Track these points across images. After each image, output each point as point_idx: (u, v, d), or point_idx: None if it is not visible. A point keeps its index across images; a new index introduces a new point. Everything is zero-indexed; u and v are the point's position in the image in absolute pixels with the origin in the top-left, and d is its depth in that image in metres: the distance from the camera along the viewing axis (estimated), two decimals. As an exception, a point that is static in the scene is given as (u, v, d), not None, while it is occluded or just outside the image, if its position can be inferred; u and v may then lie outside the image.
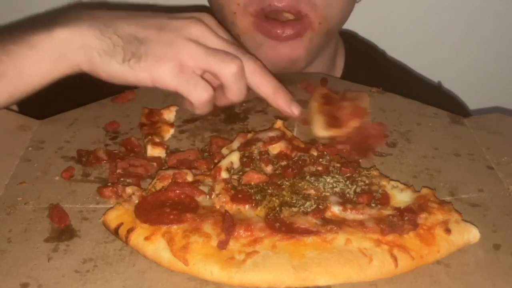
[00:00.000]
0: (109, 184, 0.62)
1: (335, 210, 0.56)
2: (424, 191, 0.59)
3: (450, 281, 0.51)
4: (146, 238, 0.53)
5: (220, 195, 0.57)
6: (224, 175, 0.61)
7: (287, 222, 0.54)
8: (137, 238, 0.54)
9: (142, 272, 0.52)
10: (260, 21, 0.88)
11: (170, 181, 0.60)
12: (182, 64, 0.70)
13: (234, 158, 0.64)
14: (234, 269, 0.50)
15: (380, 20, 1.29)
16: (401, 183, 0.61)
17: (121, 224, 0.55)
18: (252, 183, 0.60)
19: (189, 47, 0.70)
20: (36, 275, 0.51)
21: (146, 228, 0.54)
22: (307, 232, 0.53)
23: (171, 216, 0.54)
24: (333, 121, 0.72)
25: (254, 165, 0.63)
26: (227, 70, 0.71)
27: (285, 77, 0.82)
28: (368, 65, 1.09)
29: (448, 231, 0.54)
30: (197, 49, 0.71)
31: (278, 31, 0.87)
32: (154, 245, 0.53)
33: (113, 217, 0.56)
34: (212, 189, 0.59)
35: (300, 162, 0.64)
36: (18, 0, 1.29)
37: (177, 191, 0.58)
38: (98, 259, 0.53)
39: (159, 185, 0.60)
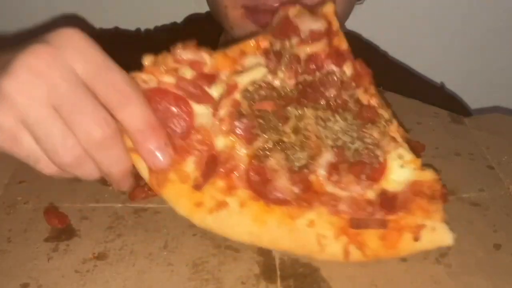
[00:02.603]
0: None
1: (320, 173, 0.53)
2: (426, 175, 0.54)
3: (450, 281, 0.51)
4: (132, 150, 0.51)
5: (223, 121, 0.53)
6: (237, 96, 0.53)
7: (268, 177, 0.53)
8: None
9: (142, 272, 0.52)
10: (251, 13, 0.85)
11: (185, 66, 0.53)
12: (14, 131, 0.50)
13: (258, 75, 0.54)
14: (199, 216, 0.52)
15: (382, 22, 1.29)
16: (409, 154, 0.55)
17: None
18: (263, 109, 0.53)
19: (14, 106, 0.49)
20: (36, 275, 0.51)
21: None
22: (278, 201, 0.52)
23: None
24: None
25: (279, 69, 0.54)
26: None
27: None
28: (370, 66, 1.09)
29: (417, 239, 0.52)
30: (25, 108, 0.49)
31: (268, 20, 0.84)
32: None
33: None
34: (217, 106, 0.53)
35: (322, 87, 0.55)
36: (12, 11, 1.29)
37: (172, 98, 0.52)
38: (98, 259, 0.53)
39: (168, 64, 0.53)
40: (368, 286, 0.51)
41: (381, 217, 0.53)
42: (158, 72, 0.53)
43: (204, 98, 0.54)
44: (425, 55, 1.32)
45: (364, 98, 0.56)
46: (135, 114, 0.51)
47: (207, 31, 1.09)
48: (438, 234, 0.53)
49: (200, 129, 0.53)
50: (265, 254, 0.54)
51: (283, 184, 0.53)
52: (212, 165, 0.52)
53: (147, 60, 0.54)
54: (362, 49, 1.16)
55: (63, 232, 0.56)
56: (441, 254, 0.54)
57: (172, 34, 1.16)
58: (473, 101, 1.25)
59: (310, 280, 0.51)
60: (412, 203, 0.53)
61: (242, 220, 0.52)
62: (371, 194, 0.54)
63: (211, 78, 0.54)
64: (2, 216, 0.58)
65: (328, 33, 0.57)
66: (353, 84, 0.56)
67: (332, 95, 0.55)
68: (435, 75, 1.26)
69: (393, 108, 0.77)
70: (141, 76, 0.53)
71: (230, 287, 0.50)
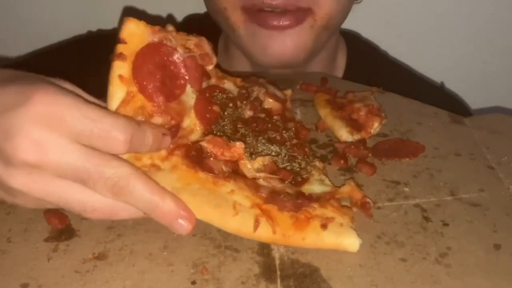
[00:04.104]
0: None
1: (250, 165, 0.59)
2: (342, 189, 0.60)
3: (450, 281, 0.51)
4: (121, 79, 0.56)
5: (195, 95, 0.61)
6: (214, 81, 0.64)
7: (203, 155, 0.57)
8: (115, 71, 0.57)
9: (142, 272, 0.52)
10: (253, 14, 0.85)
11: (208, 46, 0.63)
12: (39, 203, 0.54)
13: (232, 89, 0.66)
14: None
15: (382, 21, 1.29)
16: (331, 182, 0.62)
17: (125, 41, 0.57)
18: (227, 100, 0.64)
19: (33, 190, 0.52)
20: (36, 275, 0.51)
21: (129, 70, 0.57)
22: (208, 171, 0.56)
23: (151, 85, 0.57)
24: (354, 124, 0.72)
25: (243, 103, 0.66)
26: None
27: (284, 77, 0.82)
28: (370, 66, 1.09)
29: (324, 226, 0.55)
30: (42, 191, 0.52)
31: (274, 23, 0.83)
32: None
33: (130, 29, 0.57)
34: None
35: (269, 125, 0.66)
36: (39, 28, 1.29)
37: (179, 70, 0.60)
38: (98, 259, 0.53)
39: (191, 43, 0.62)
40: (368, 286, 0.51)
41: (296, 202, 0.56)
42: (183, 40, 0.62)
43: (197, 86, 0.61)
44: (425, 55, 1.32)
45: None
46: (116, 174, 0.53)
47: (206, 31, 1.09)
48: (344, 232, 0.55)
49: (181, 101, 0.60)
50: (265, 254, 0.54)
51: (214, 162, 0.58)
52: (174, 132, 0.58)
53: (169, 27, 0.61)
54: (362, 49, 1.18)
55: (63, 232, 0.56)
56: (441, 254, 0.54)
57: None
58: (473, 101, 1.25)
59: (310, 280, 0.51)
60: (326, 202, 0.58)
61: (167, 176, 0.55)
62: (289, 190, 0.58)
63: (207, 76, 0.63)
64: (2, 216, 0.58)
65: (283, 104, 0.71)
66: (292, 134, 0.67)
67: (273, 134, 0.65)
68: (435, 75, 1.26)
69: (393, 108, 0.77)
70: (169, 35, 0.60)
71: (230, 287, 0.50)
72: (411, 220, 0.58)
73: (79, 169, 0.51)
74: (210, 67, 0.63)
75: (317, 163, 0.64)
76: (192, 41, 0.62)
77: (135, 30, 0.58)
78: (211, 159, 0.58)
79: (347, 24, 1.02)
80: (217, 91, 0.64)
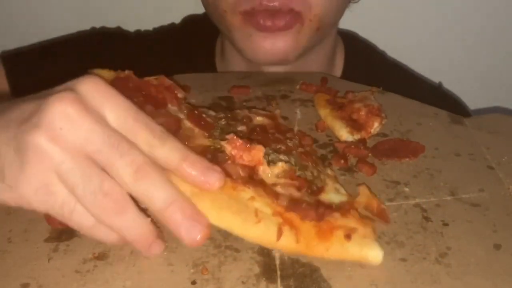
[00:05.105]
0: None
1: (267, 170, 0.56)
2: (360, 199, 0.58)
3: (450, 281, 0.51)
4: None
5: (184, 112, 0.59)
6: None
7: (219, 159, 0.55)
8: None
9: (142, 273, 0.52)
10: (250, 17, 0.87)
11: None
12: (47, 182, 0.50)
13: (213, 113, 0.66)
14: None
15: (380, 21, 1.29)
16: (345, 191, 0.60)
17: None
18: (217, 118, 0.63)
19: (48, 156, 0.49)
20: (36, 276, 0.51)
21: None
22: (226, 174, 0.54)
23: (135, 100, 0.54)
24: (354, 125, 0.72)
25: (232, 123, 0.64)
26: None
27: (284, 77, 0.82)
28: (368, 66, 1.09)
29: (348, 237, 0.53)
30: (61, 157, 0.49)
31: (268, 24, 0.86)
32: None
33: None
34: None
35: (269, 136, 0.63)
36: (39, 25, 1.29)
37: (154, 88, 0.59)
38: (98, 259, 0.53)
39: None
40: (368, 286, 0.51)
41: (319, 211, 0.54)
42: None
43: (177, 103, 0.60)
44: (424, 55, 1.33)
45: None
46: (174, 147, 0.52)
47: (204, 32, 1.10)
48: (368, 243, 0.53)
49: (169, 111, 0.59)
50: (265, 254, 0.54)
51: (231, 166, 0.55)
52: (174, 126, 0.57)
53: None
54: (360, 49, 1.18)
55: (63, 232, 0.56)
56: (441, 254, 0.54)
57: (169, 34, 1.16)
58: (472, 101, 1.26)
59: (310, 280, 0.51)
60: (347, 212, 0.55)
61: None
62: (308, 199, 0.56)
63: (182, 99, 0.63)
64: (2, 216, 0.58)
65: (273, 120, 0.68)
66: (297, 141, 0.65)
67: (277, 145, 0.62)
68: (434, 75, 1.26)
69: (392, 108, 0.77)
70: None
71: (230, 287, 0.50)
72: (411, 220, 0.58)
73: (116, 145, 0.49)
74: (180, 94, 0.62)
75: (329, 171, 0.63)
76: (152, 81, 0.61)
77: (101, 74, 0.58)
78: (228, 162, 0.56)
79: (345, 24, 1.03)
80: (204, 115, 0.63)
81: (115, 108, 0.50)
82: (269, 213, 0.53)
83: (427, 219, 0.59)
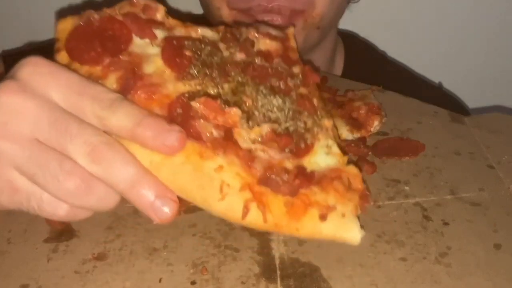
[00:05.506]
0: None
1: (244, 129, 0.51)
2: (350, 168, 0.53)
3: (450, 281, 0.51)
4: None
5: (160, 45, 0.54)
6: (180, 31, 0.55)
7: (191, 114, 0.50)
8: (60, 62, 0.53)
9: (142, 273, 0.52)
10: (244, 13, 0.86)
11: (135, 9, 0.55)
12: (8, 180, 0.49)
13: (209, 35, 0.57)
14: None
15: (380, 21, 1.29)
16: (339, 147, 0.55)
17: (59, 39, 0.54)
18: (202, 45, 0.55)
19: (1, 154, 0.48)
20: (36, 276, 0.51)
21: (66, 57, 0.53)
22: (195, 137, 0.49)
23: (92, 53, 0.52)
24: (354, 123, 0.72)
25: (230, 46, 0.57)
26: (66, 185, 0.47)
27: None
28: (368, 66, 1.09)
29: (323, 217, 0.49)
30: (12, 150, 0.47)
31: (267, 19, 0.84)
32: None
33: (61, 28, 0.55)
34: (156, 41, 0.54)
35: (270, 70, 0.57)
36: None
37: (117, 24, 0.54)
38: (98, 259, 0.53)
39: (124, 9, 0.56)
40: (368, 286, 0.51)
41: (293, 185, 0.50)
42: (114, 12, 0.56)
43: (147, 34, 0.54)
44: (424, 55, 1.32)
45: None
46: (125, 114, 0.48)
47: None
48: (346, 224, 0.50)
49: (131, 52, 0.54)
50: (265, 254, 0.54)
51: (204, 125, 0.50)
52: (130, 79, 0.51)
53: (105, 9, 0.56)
54: (360, 49, 1.18)
55: (63, 233, 0.56)
56: (441, 253, 0.54)
57: None
58: (472, 100, 1.25)
59: (310, 280, 0.51)
60: (329, 184, 0.51)
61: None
62: (288, 164, 0.51)
63: (159, 24, 0.56)
64: (2, 217, 0.58)
65: (284, 43, 0.60)
66: (299, 81, 0.58)
67: (273, 82, 0.56)
68: (434, 75, 1.26)
69: (392, 107, 0.77)
70: (94, 14, 0.55)
71: (230, 287, 0.50)
72: (411, 219, 0.58)
73: (66, 124, 0.47)
74: (158, 15, 0.56)
75: (326, 122, 0.56)
76: (124, 7, 0.56)
77: (64, 26, 0.55)
78: (201, 120, 0.50)
79: (346, 24, 1.03)
80: (187, 41, 0.56)
81: (58, 87, 0.48)
82: (236, 187, 0.49)
83: (427, 218, 0.59)
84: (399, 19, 1.30)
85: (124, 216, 0.58)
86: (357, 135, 0.71)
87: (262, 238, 0.55)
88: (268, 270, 0.52)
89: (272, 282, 0.51)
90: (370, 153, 0.68)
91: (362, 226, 0.52)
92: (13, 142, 0.47)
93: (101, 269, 0.52)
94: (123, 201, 0.59)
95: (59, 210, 0.49)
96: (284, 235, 0.53)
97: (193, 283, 0.51)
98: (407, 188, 0.63)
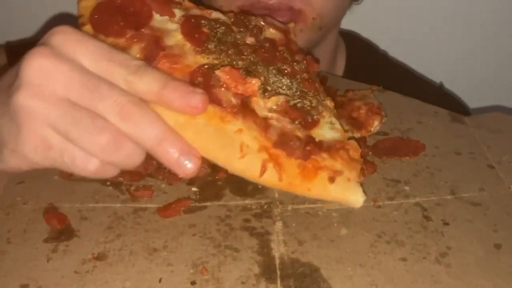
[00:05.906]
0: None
1: (260, 100, 0.56)
2: (351, 142, 0.58)
3: (451, 281, 0.51)
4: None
5: (178, 22, 0.58)
6: (195, 13, 0.60)
7: (211, 83, 0.54)
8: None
9: (142, 273, 0.52)
10: (246, 11, 0.86)
11: None
12: (43, 137, 0.51)
13: (223, 18, 0.62)
14: None
15: (382, 21, 1.29)
16: (342, 126, 0.60)
17: (82, 15, 0.57)
18: (217, 25, 0.59)
19: (35, 113, 0.50)
20: (35, 276, 0.51)
21: (91, 30, 0.56)
22: (215, 101, 0.53)
23: (115, 26, 0.55)
24: (354, 123, 0.72)
25: (241, 30, 0.62)
26: (98, 141, 0.50)
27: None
28: (370, 66, 1.09)
29: (332, 180, 0.54)
30: (47, 109, 0.50)
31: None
32: None
33: (83, 5, 0.57)
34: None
35: (277, 54, 0.62)
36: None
37: (138, 1, 0.57)
38: (98, 259, 0.53)
39: None
40: (368, 286, 0.51)
41: (305, 150, 0.54)
42: None
43: (166, 11, 0.58)
44: (425, 54, 1.32)
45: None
46: (152, 78, 0.51)
47: None
48: (351, 187, 0.55)
49: (153, 27, 0.57)
50: (265, 254, 0.54)
51: (224, 92, 0.54)
52: (153, 50, 0.54)
53: None
54: (361, 49, 1.18)
55: (63, 232, 0.56)
56: (441, 253, 0.54)
57: None
58: (473, 100, 1.25)
59: (310, 280, 0.51)
60: (336, 153, 0.56)
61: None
62: (300, 133, 0.56)
63: (177, 3, 0.60)
64: (1, 217, 0.58)
65: (286, 35, 0.66)
66: (303, 66, 0.63)
67: (283, 66, 0.61)
68: (435, 75, 1.26)
69: (392, 106, 0.77)
70: None
71: (230, 287, 0.50)
72: (412, 219, 0.58)
73: (96, 86, 0.50)
74: None
75: (328, 102, 0.61)
76: None
77: (87, 3, 0.58)
78: (222, 88, 0.54)
79: (347, 25, 1.03)
80: (203, 21, 0.60)
81: (87, 53, 0.51)
82: (255, 148, 0.53)
83: (427, 218, 0.59)
84: (400, 19, 1.30)
85: (124, 216, 0.58)
86: (357, 135, 0.71)
87: (262, 238, 0.55)
88: (268, 270, 0.52)
89: (272, 282, 0.51)
90: (370, 153, 0.68)
91: (364, 191, 0.56)
92: (47, 101, 0.50)
93: (101, 269, 0.52)
94: (123, 201, 0.60)
95: (90, 165, 0.52)
96: (284, 235, 0.55)
97: (193, 283, 0.51)
98: (407, 188, 0.63)
